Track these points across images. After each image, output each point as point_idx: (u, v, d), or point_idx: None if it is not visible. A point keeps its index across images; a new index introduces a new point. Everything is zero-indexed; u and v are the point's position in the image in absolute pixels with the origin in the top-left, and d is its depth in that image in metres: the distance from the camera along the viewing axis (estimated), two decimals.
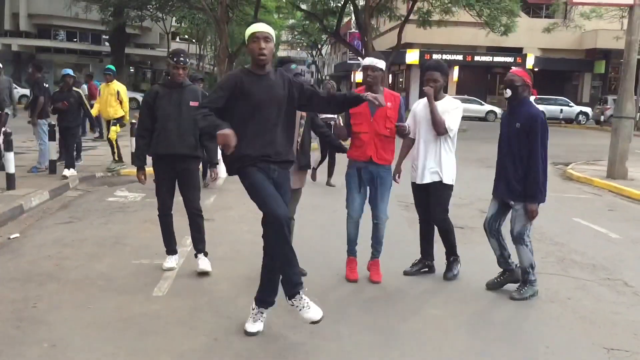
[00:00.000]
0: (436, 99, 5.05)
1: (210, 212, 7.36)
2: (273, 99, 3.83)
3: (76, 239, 6.31)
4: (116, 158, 10.86)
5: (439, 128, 4.97)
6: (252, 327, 3.99)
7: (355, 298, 4.81)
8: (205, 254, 5.32)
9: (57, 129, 9.98)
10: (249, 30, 3.82)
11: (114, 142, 10.87)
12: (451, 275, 5.27)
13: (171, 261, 5.36)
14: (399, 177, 5.28)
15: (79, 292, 4.71)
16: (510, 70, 4.80)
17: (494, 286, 5.01)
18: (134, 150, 11.53)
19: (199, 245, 5.32)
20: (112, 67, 11.39)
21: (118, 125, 11.06)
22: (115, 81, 11.24)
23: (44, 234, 6.52)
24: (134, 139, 11.64)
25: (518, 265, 4.92)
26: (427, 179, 5.11)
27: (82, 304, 4.46)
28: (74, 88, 10.27)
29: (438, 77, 5.01)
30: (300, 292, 3.85)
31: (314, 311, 3.83)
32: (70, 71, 10.35)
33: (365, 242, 5.30)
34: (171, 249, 5.41)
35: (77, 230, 6.70)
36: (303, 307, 3.84)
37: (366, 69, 4.92)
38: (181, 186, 5.26)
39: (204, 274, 5.18)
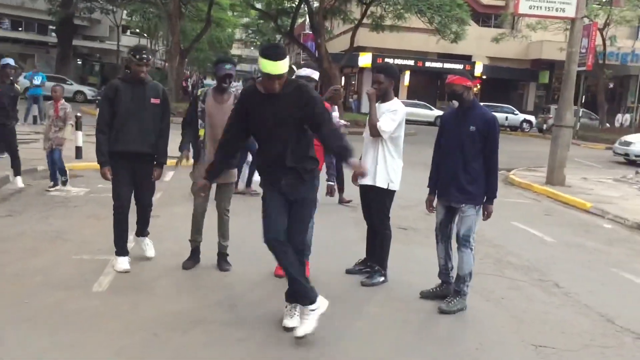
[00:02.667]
0: (383, 100, 5.15)
1: (155, 208, 7.23)
2: (278, 119, 3.86)
3: (14, 232, 6.15)
4: None
5: (372, 129, 5.05)
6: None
7: None
8: (147, 234, 5.56)
9: None
10: (263, 67, 3.70)
11: None
12: (368, 282, 5.21)
13: (125, 263, 5.18)
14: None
15: (15, 287, 4.61)
16: (447, 81, 4.76)
17: (427, 295, 4.98)
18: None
19: (143, 228, 5.50)
20: None
21: None
22: None
23: None
24: (80, 133, 11.43)
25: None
26: (363, 180, 5.19)
27: (18, 299, 4.36)
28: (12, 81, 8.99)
29: (382, 79, 5.05)
30: (295, 305, 4.10)
31: (293, 322, 4.05)
32: (10, 61, 9.13)
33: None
34: (124, 250, 5.25)
35: (15, 224, 6.53)
36: (290, 315, 4.11)
37: (302, 79, 4.99)
38: (137, 184, 5.21)
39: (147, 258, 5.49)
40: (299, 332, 3.88)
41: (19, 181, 8.51)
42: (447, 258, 4.98)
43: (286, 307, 4.16)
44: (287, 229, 3.98)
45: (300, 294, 3.99)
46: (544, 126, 31.64)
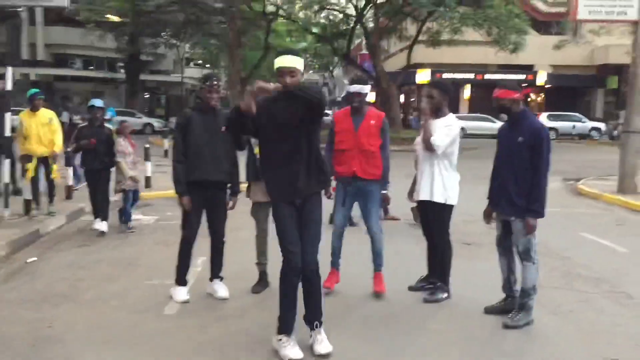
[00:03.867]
0: (437, 116, 5.18)
1: None
2: (290, 119, 3.94)
3: (91, 261, 6.50)
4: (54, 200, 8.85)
5: (425, 144, 5.10)
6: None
7: (359, 312, 4.92)
8: (221, 279, 5.39)
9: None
10: (275, 63, 3.92)
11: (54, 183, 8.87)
12: (431, 299, 5.21)
13: (184, 293, 5.22)
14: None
15: (93, 312, 4.88)
16: (493, 95, 4.74)
17: (492, 311, 4.92)
18: (149, 175, 11.80)
19: (217, 271, 5.37)
20: (38, 90, 9.00)
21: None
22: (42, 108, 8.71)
23: (60, 257, 6.72)
24: (149, 163, 11.95)
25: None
26: (421, 196, 5.24)
27: (96, 323, 4.62)
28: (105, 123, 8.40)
29: (435, 94, 5.11)
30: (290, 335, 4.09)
31: (294, 351, 4.01)
32: (98, 102, 8.30)
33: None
34: (184, 280, 5.28)
35: (91, 252, 6.90)
36: (285, 345, 4.05)
37: (352, 95, 5.19)
38: (210, 213, 5.24)
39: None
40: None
41: (104, 225, 7.91)
42: (510, 272, 4.92)
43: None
44: (303, 250, 4.05)
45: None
46: (615, 133, 30.50)
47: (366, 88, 5.21)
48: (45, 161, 8.68)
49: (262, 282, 5.54)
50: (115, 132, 8.25)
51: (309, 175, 4.03)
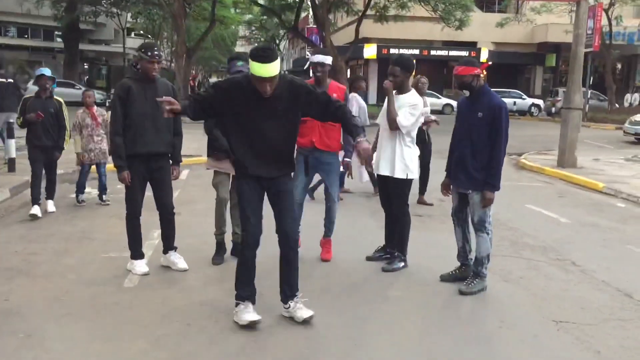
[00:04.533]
0: (400, 92, 5.26)
1: (175, 206, 7.42)
2: (271, 118, 3.88)
3: (42, 235, 6.34)
4: None
5: (390, 123, 5.17)
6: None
7: (319, 283, 5.00)
8: (175, 249, 5.33)
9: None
10: (256, 71, 3.65)
11: None
12: (389, 268, 5.34)
13: (144, 265, 5.15)
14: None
15: (50, 285, 4.78)
16: (454, 72, 4.84)
17: (447, 278, 5.09)
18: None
19: (171, 242, 5.31)
20: None
21: None
22: None
23: (8, 231, 6.51)
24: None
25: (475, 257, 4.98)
26: (381, 171, 5.34)
27: (55, 297, 4.54)
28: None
29: (397, 72, 5.16)
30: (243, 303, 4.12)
31: (251, 315, 4.06)
32: (46, 71, 7.53)
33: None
34: (140, 253, 5.21)
35: (42, 226, 6.71)
36: (239, 310, 4.10)
37: (316, 65, 5.18)
38: (155, 185, 5.15)
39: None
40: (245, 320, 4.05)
41: (51, 205, 7.53)
42: (465, 241, 5.10)
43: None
44: (282, 220, 4.09)
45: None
46: (553, 109, 31.59)
47: (328, 59, 5.22)
48: None
49: (221, 253, 5.55)
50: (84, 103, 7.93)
51: (282, 158, 4.05)
